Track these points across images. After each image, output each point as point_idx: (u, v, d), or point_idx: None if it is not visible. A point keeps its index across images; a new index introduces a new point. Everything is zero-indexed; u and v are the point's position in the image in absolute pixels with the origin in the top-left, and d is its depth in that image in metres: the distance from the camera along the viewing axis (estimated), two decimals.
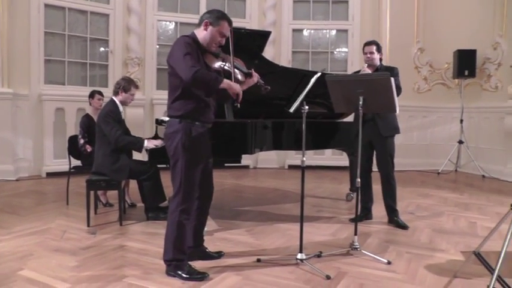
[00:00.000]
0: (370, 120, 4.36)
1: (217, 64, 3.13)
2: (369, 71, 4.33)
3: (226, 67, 3.14)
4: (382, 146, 4.42)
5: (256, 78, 3.26)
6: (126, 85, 4.59)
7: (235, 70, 3.14)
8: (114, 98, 4.61)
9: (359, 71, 4.49)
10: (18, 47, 6.92)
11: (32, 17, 7.04)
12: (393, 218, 4.45)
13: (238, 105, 3.08)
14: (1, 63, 6.63)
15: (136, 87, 4.79)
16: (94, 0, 7.74)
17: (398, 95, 4.25)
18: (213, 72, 2.99)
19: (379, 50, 4.46)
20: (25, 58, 7.03)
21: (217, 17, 3.01)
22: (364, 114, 4.23)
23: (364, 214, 4.62)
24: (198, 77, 2.81)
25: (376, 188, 4.64)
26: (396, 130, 4.46)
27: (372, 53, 4.41)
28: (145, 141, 4.41)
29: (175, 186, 3.01)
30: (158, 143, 4.38)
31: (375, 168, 4.54)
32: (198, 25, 3.07)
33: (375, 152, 4.54)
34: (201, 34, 3.03)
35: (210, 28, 3.00)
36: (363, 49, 4.51)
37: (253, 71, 3.26)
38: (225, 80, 2.97)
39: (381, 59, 4.50)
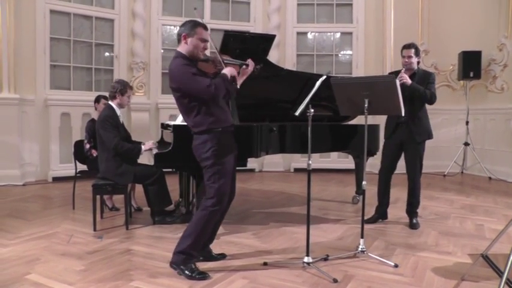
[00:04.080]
0: (404, 123, 4.33)
1: (212, 71, 3.22)
2: (406, 76, 4.18)
3: (218, 68, 3.22)
4: (413, 150, 4.38)
5: (251, 67, 3.34)
6: (122, 88, 4.59)
7: (228, 63, 3.25)
8: (110, 102, 4.62)
9: (397, 72, 4.33)
10: (24, 53, 6.97)
11: (37, 23, 7.09)
12: (410, 218, 4.48)
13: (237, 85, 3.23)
14: (7, 68, 6.68)
15: (131, 88, 4.80)
16: (99, 5, 7.79)
17: (432, 103, 4.27)
18: (220, 78, 3.09)
19: (417, 53, 4.35)
20: (31, 64, 7.08)
21: (191, 26, 3.14)
22: (398, 117, 4.25)
23: (380, 214, 4.64)
24: (217, 89, 3.01)
25: (391, 191, 4.65)
26: (430, 135, 4.42)
27: (410, 56, 4.31)
28: (142, 147, 4.46)
29: (211, 190, 3.12)
30: (153, 145, 4.47)
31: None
32: (178, 42, 3.18)
33: (404, 155, 4.50)
34: (184, 48, 3.14)
35: (189, 39, 3.11)
36: (401, 52, 4.40)
37: (247, 61, 3.33)
38: (224, 73, 3.12)
39: (418, 62, 4.41)
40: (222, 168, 3.12)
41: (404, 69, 4.30)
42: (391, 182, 4.61)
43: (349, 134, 5.21)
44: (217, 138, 3.10)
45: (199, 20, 3.25)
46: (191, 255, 3.11)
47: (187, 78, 3.02)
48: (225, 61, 3.23)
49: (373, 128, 5.27)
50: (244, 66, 3.29)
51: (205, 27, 3.17)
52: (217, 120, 3.12)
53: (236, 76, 3.19)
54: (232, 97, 3.45)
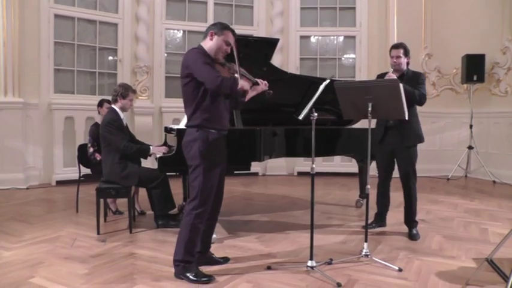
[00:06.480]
0: (394, 128, 4.20)
1: (226, 73, 3.24)
2: (394, 76, 4.00)
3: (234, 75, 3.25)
4: (404, 155, 4.24)
5: (263, 86, 3.41)
6: (124, 91, 4.61)
7: (244, 75, 3.28)
8: (113, 106, 4.64)
9: (384, 74, 4.22)
10: (28, 57, 7.01)
11: (42, 28, 7.13)
12: (409, 229, 4.32)
13: (245, 99, 3.34)
14: (12, 73, 6.71)
15: (134, 92, 4.83)
16: (103, 9, 7.83)
17: (421, 104, 4.18)
18: (232, 78, 3.11)
19: (406, 53, 4.22)
20: (35, 68, 7.11)
21: (221, 27, 3.19)
22: (387, 121, 4.21)
23: (378, 221, 4.59)
24: (223, 84, 2.99)
25: (392, 195, 4.60)
26: (420, 139, 4.26)
27: (398, 57, 4.18)
28: (151, 148, 4.51)
29: (194, 190, 3.10)
30: (164, 149, 4.51)
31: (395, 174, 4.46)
32: (204, 37, 3.23)
33: (396, 161, 4.37)
34: (208, 44, 3.18)
35: (215, 38, 3.16)
36: (390, 52, 4.28)
37: (260, 80, 3.40)
38: (237, 77, 3.16)
39: (407, 63, 4.28)
40: (209, 170, 3.09)
41: (391, 70, 4.14)
42: (394, 186, 4.56)
43: (352, 138, 5.20)
44: (207, 138, 3.09)
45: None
46: (188, 262, 3.11)
47: (199, 64, 3.02)
48: (241, 72, 3.26)
49: None
50: (256, 84, 3.37)
51: (234, 33, 3.22)
52: (213, 119, 3.11)
53: (248, 90, 3.25)
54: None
